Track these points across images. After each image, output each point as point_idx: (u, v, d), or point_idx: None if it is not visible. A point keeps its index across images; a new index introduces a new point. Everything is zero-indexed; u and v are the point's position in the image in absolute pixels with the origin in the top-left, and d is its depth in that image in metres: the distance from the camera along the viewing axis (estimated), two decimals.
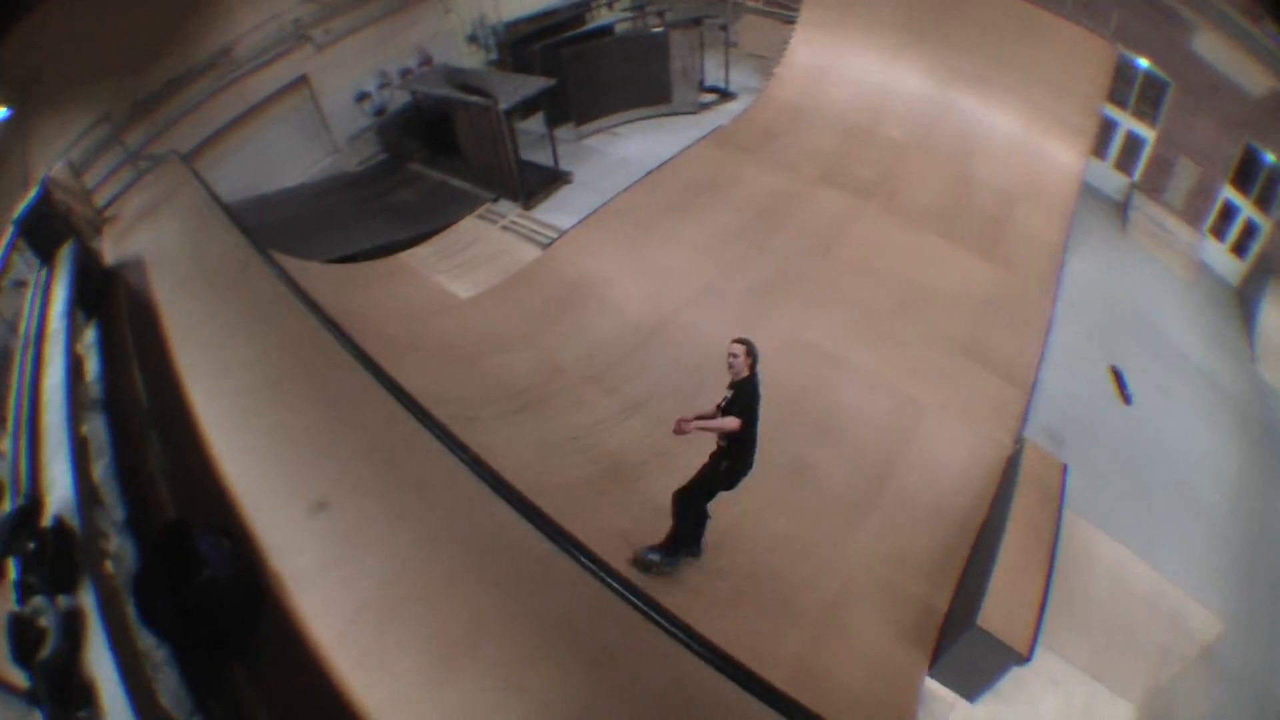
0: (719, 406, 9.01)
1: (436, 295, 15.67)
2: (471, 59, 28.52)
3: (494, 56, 28.59)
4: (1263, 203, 20.58)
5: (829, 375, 13.72)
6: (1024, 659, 8.14)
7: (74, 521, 6.28)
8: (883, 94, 22.14)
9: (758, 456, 9.17)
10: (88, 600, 5.48)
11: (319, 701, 5.81)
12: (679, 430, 8.59)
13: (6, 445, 8.26)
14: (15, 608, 5.42)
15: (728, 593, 9.73)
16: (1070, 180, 19.70)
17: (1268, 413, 16.86)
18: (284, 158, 24.05)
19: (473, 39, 28.64)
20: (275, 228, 17.51)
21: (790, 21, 25.33)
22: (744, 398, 8.73)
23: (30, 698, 4.49)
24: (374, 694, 5.86)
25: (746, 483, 9.78)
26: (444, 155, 22.95)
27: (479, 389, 12.40)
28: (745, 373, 8.70)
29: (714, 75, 25.50)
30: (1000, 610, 8.43)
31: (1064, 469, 11.02)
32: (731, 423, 8.57)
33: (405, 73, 26.65)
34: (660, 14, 26.08)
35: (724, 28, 26.65)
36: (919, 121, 21.35)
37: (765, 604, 9.69)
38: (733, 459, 9.01)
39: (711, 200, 18.39)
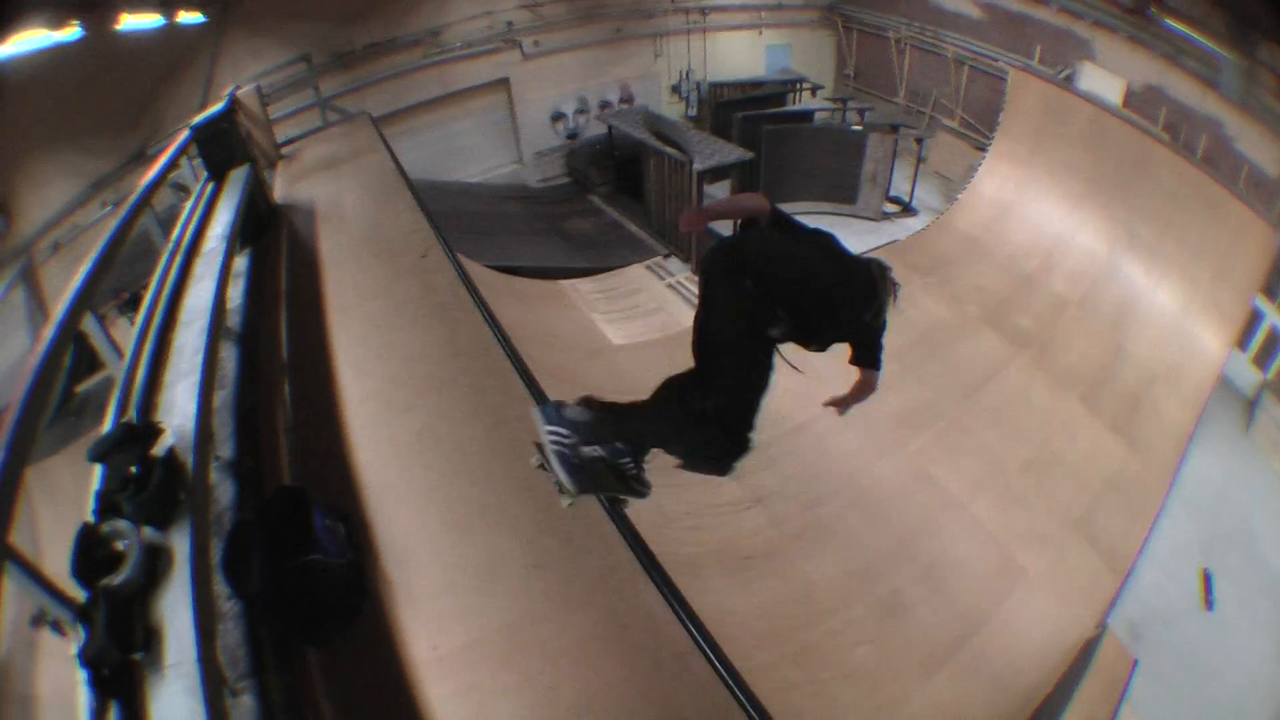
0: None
1: (590, 333, 16.07)
2: (670, 109, 29.50)
3: (693, 112, 29.62)
4: None
5: (948, 519, 13.87)
6: None
7: (188, 458, 5.59)
8: (1056, 243, 22.23)
9: (855, 558, 10.17)
10: (180, 545, 4.91)
11: (395, 718, 5.53)
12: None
13: (128, 348, 7.34)
14: (91, 520, 4.86)
15: (796, 708, 10.04)
16: (1211, 369, 19.75)
17: None
18: (467, 152, 25.15)
19: (676, 90, 29.46)
20: (446, 218, 17.31)
21: (981, 149, 25.54)
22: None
23: (81, 615, 4.07)
24: None
25: (846, 598, 11.20)
26: (626, 197, 23.63)
27: None
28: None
29: (900, 187, 25.68)
30: None
31: (1134, 664, 11.45)
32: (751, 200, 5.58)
33: (604, 105, 27.53)
34: (861, 113, 26.52)
35: (919, 141, 26.86)
36: (1084, 279, 21.35)
37: None
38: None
39: None
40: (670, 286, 18.69)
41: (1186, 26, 22.42)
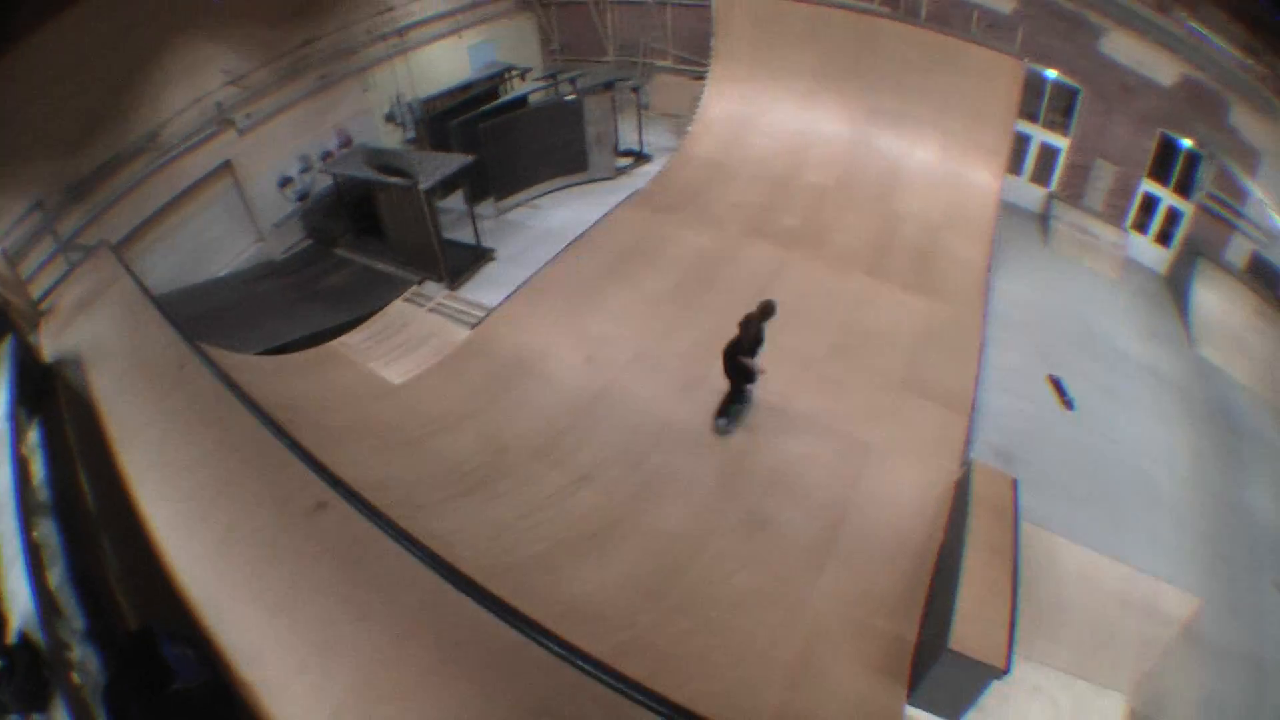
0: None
1: (372, 382, 15.54)
2: (390, 138, 28.72)
3: (412, 134, 28.69)
4: (1182, 188, 21.35)
5: (773, 426, 13.82)
6: (1001, 672, 8.13)
7: (38, 635, 6.12)
8: (801, 140, 22.47)
9: (699, 493, 10.78)
10: (60, 717, 5.35)
11: None
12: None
13: None
14: None
15: (700, 650, 9.63)
16: (989, 202, 20.14)
17: (1212, 391, 17.42)
18: (212, 245, 23.93)
19: (390, 117, 28.76)
20: (206, 319, 17.49)
21: (701, 78, 25.65)
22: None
23: None
24: None
25: (703, 536, 11.20)
26: (368, 239, 22.99)
27: (424, 474, 12.23)
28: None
29: (629, 139, 25.65)
30: (970, 630, 8.43)
31: (1014, 483, 11.01)
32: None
33: (326, 155, 26.61)
34: (572, 81, 26.05)
35: (635, 90, 26.59)
36: (839, 164, 21.67)
37: (737, 659, 9.59)
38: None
39: (638, 264, 18.51)
40: (433, 310, 18.24)
41: None
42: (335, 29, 27.63)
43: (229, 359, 13.62)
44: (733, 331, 12.88)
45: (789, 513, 12.14)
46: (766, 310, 12.20)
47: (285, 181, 26.04)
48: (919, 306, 16.78)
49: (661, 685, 6.91)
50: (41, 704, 5.28)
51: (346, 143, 27.30)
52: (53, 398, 12.41)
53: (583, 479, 12.78)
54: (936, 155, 21.14)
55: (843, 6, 23.19)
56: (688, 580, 10.79)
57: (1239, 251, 20.65)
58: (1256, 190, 18.87)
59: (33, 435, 10.89)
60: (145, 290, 14.69)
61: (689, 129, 24.26)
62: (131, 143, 22.89)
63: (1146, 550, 12.25)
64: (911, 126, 21.57)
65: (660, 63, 30.92)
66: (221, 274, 23.50)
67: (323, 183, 26.27)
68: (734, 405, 13.50)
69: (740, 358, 12.51)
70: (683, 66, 29.96)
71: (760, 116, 23.42)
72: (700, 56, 27.64)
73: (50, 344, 14.59)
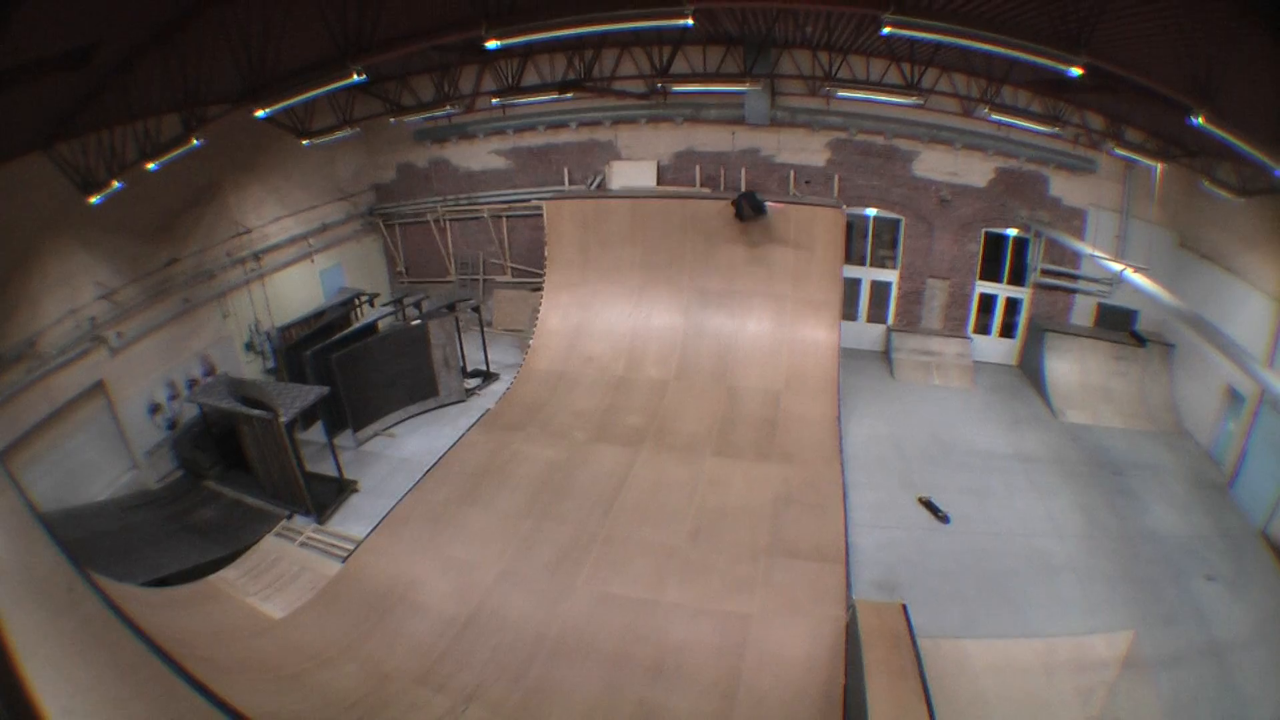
0: None
1: (250, 617, 15.25)
2: (251, 367, 28.52)
3: (271, 363, 28.45)
4: (1016, 276, 22.83)
5: (647, 620, 13.84)
6: None
7: None
8: (637, 338, 22.87)
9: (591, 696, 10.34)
10: None
11: None
12: None
13: None
14: None
15: None
16: (828, 355, 20.63)
17: (1086, 448, 18.39)
18: (88, 469, 23.18)
19: (249, 346, 28.56)
20: (88, 544, 17.42)
21: (539, 289, 26.08)
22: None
23: None
24: None
25: None
26: (237, 471, 22.73)
27: (309, 708, 11.93)
28: None
29: (476, 358, 25.98)
30: None
31: (904, 608, 11.07)
32: None
33: (192, 383, 26.21)
34: (416, 305, 26.26)
35: (476, 309, 27.15)
36: (675, 354, 22.11)
37: None
38: None
39: (493, 484, 18.53)
40: (303, 544, 17.94)
41: (695, 84, 23.83)
42: (196, 249, 27.46)
43: (115, 588, 13.07)
44: (591, 535, 14.11)
45: (679, 698, 12.10)
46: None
47: (154, 409, 25.52)
48: (773, 474, 17.04)
49: None
50: None
51: (211, 370, 27.04)
52: None
53: (468, 698, 12.64)
54: (769, 323, 21.64)
55: (661, 196, 24.23)
56: None
57: (1085, 312, 22.03)
58: (1087, 247, 19.82)
59: None
60: (31, 506, 14.36)
61: (530, 343, 24.54)
62: (12, 347, 22.43)
63: (1060, 617, 12.67)
64: (740, 300, 22.10)
65: (500, 278, 31.64)
66: (100, 499, 22.84)
67: (190, 411, 25.80)
68: None
69: None
70: (520, 280, 30.74)
71: (596, 320, 23.84)
72: (536, 267, 28.44)
73: None
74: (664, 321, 22.68)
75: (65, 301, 23.87)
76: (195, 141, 19.22)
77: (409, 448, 22.08)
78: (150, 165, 20.34)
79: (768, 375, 20.51)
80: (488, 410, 22.40)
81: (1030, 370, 21.89)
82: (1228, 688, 11.57)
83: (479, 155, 31.88)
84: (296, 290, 30.97)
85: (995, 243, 22.64)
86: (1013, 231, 22.05)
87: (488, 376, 25.41)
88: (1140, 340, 20.72)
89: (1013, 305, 22.96)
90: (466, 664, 13.43)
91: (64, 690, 8.35)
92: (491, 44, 12.48)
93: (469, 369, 25.53)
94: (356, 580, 16.09)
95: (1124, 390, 20.18)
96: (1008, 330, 23.34)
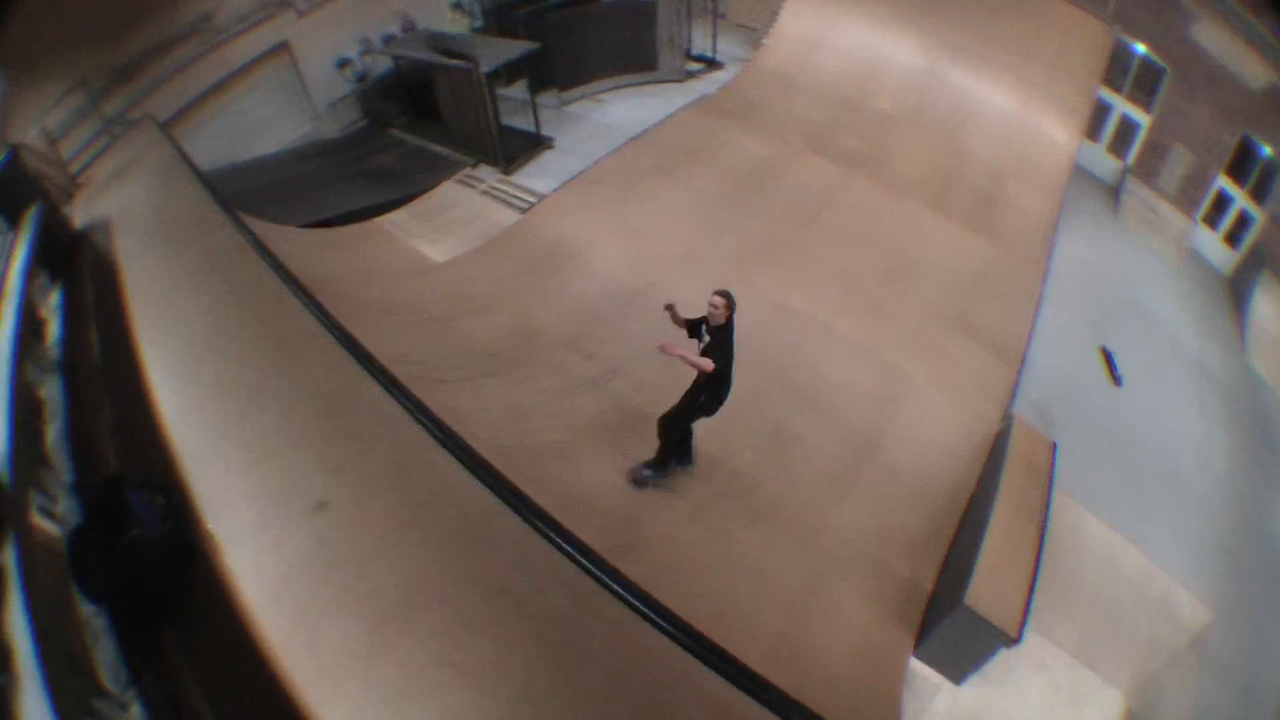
0: (701, 349, 9.37)
1: (411, 259, 15.30)
2: (456, 25, 28.03)
3: (479, 23, 28.10)
4: (1257, 194, 20.55)
5: (815, 343, 13.41)
6: (1013, 640, 7.81)
7: (4, 476, 5.82)
8: (874, 66, 21.78)
9: (732, 402, 9.67)
10: (9, 559, 5.00)
11: (248, 672, 5.44)
12: (665, 350, 9.11)
13: None
14: None
15: (705, 560, 9.43)
16: (1062, 158, 19.53)
17: (1257, 403, 16.76)
18: (264, 125, 23.73)
19: (457, 5, 28.27)
20: (252, 194, 17.36)
21: None
22: (721, 342, 9.30)
23: None
24: (303, 666, 5.52)
25: (731, 445, 10.81)
26: (425, 121, 22.70)
27: (450, 352, 11.96)
28: (722, 320, 9.22)
29: (701, 45, 25.15)
30: (988, 590, 8.09)
31: (1053, 447, 10.71)
32: (707, 364, 9.07)
33: (388, 39, 26.26)
34: None
35: None
36: (910, 95, 21.03)
37: (742, 575, 9.37)
38: (709, 394, 9.75)
39: (695, 166, 17.97)
40: (484, 193, 17.94)
41: None
42: None
43: (267, 228, 13.61)
44: (784, 241, 13.48)
45: (820, 433, 11.85)
46: (732, 305, 9.46)
47: (344, 63, 25.79)
48: (978, 248, 16.37)
49: (657, 591, 6.65)
50: None
51: (410, 28, 26.98)
52: (77, 263, 12.67)
53: (612, 372, 12.53)
54: (1014, 102, 20.42)
55: None
56: (705, 489, 10.54)
57: None
58: None
59: (54, 298, 11.24)
60: (181, 153, 14.90)
61: (764, 41, 23.54)
62: (183, 25, 22.71)
63: (1169, 544, 11.91)
64: (990, 69, 20.82)
65: None
66: (272, 152, 23.27)
67: (382, 66, 26.04)
68: (668, 462, 10.57)
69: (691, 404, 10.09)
70: None
71: (836, 37, 22.66)
72: None
73: (82, 213, 14.67)
74: (905, 59, 21.70)
75: None
76: None
77: (614, 114, 21.70)
78: None
79: (999, 152, 19.61)
80: (706, 95, 21.86)
81: (1237, 292, 20.22)
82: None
83: None
84: None
85: (1248, 149, 20.50)
86: (1268, 150, 19.92)
87: (711, 64, 24.83)
88: None
89: (1244, 219, 20.95)
90: (620, 336, 13.37)
91: (161, 329, 9.64)
92: None
93: (693, 53, 24.97)
94: (531, 233, 16.00)
95: None
96: (1231, 240, 21.39)
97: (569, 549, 6.34)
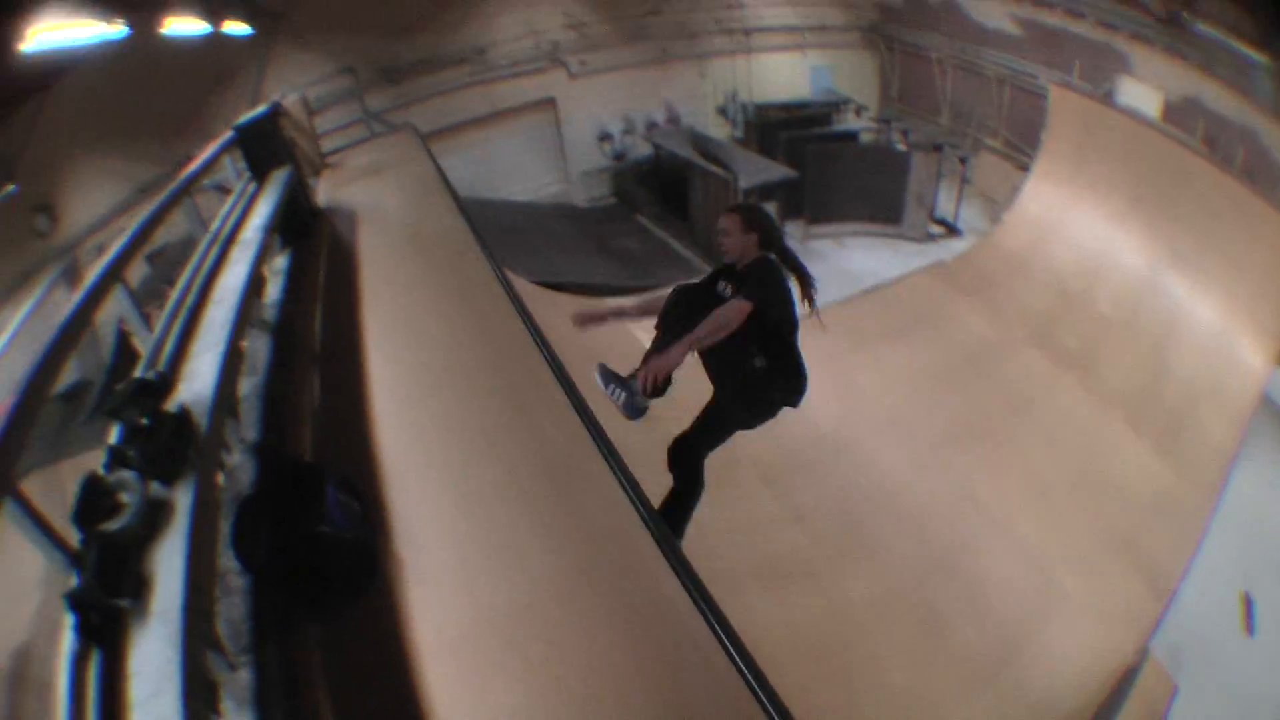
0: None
1: (625, 340, 15.40)
2: (717, 130, 29.52)
3: (738, 133, 29.51)
4: None
5: (991, 539, 13.78)
6: None
7: (201, 419, 5.50)
8: (1099, 262, 22.04)
9: (888, 574, 10.16)
10: (182, 500, 4.78)
11: (394, 700, 5.23)
12: (653, 372, 6.44)
13: (159, 324, 7.42)
14: (101, 471, 4.78)
15: None
16: (1254, 386, 19.30)
17: None
18: (513, 171, 25.48)
19: (722, 111, 29.55)
20: (489, 231, 17.76)
21: (1024, 168, 25.43)
22: (764, 278, 6.51)
23: (75, 560, 4.07)
24: (456, 717, 5.23)
25: (881, 626, 11.07)
26: (673, 217, 23.79)
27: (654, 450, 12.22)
28: (752, 256, 6.72)
29: (943, 208, 25.70)
30: None
31: (1174, 691, 11.36)
32: (737, 312, 6.13)
33: (650, 126, 27.70)
34: (905, 133, 26.66)
35: (964, 161, 26.69)
36: (1129, 299, 21.18)
37: None
38: (771, 371, 6.98)
39: (920, 333, 18.86)
40: None
41: (1220, 31, 22.54)
42: (682, 8, 29.13)
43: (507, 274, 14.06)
44: (986, 430, 14.25)
45: (969, 631, 12.05)
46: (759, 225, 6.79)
47: (605, 137, 27.28)
48: (1162, 472, 16.62)
49: None
50: (167, 477, 4.83)
51: (673, 120, 28.25)
52: (314, 238, 13.17)
53: (798, 518, 12.99)
54: (1219, 319, 20.29)
55: (1163, 132, 22.94)
56: (851, 656, 11.02)
57: None
58: None
59: (280, 261, 11.67)
60: (444, 176, 15.78)
61: (1003, 216, 24.04)
62: (457, 50, 24.57)
63: None
64: (1203, 280, 20.79)
65: (989, 140, 30.36)
66: (517, 199, 24.77)
67: (641, 151, 27.57)
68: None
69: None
70: (1010, 151, 29.31)
71: (1070, 225, 23.08)
72: (1027, 146, 27.20)
73: (326, 193, 15.64)
74: (1129, 260, 21.73)
75: (526, 23, 25.45)
76: None
77: (853, 260, 22.55)
78: None
79: (1197, 371, 19.48)
80: (941, 261, 22.28)
81: None
82: None
83: (992, 11, 30.15)
84: (780, 76, 31.49)
85: None
86: None
87: (951, 230, 25.21)
88: None
89: None
90: (815, 486, 13.87)
91: (397, 340, 9.51)
92: None
93: (935, 215, 25.30)
94: None
95: None
96: None
97: (765, 699, 5.55)
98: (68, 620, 3.93)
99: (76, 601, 3.87)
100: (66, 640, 3.98)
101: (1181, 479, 16.71)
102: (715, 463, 12.95)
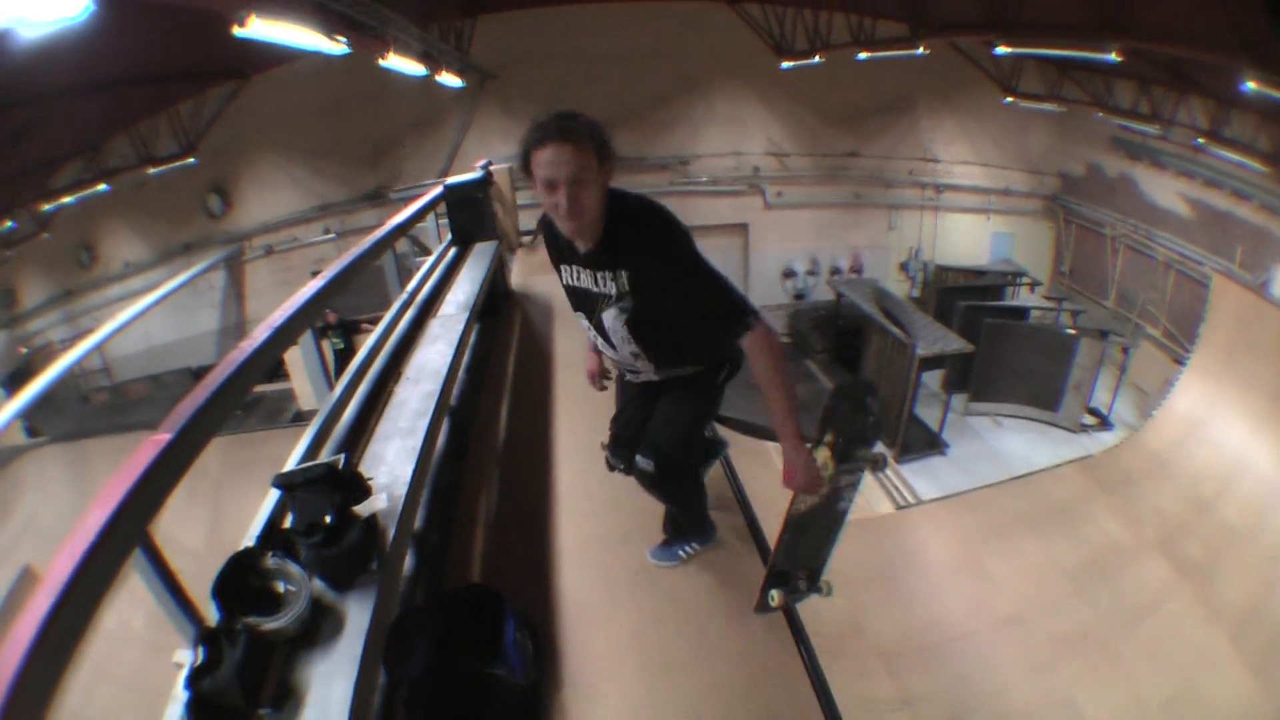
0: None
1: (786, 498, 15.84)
2: (896, 285, 30.47)
3: (915, 292, 30.67)
4: None
5: None
6: None
7: (390, 524, 4.69)
8: (1234, 466, 21.69)
9: None
10: (357, 614, 4.12)
11: None
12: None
13: (338, 384, 6.90)
14: (253, 545, 4.38)
15: None
16: None
17: None
18: None
19: (903, 266, 30.96)
20: None
21: (1178, 360, 25.51)
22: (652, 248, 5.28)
23: (206, 638, 3.48)
24: None
25: None
26: (842, 367, 24.69)
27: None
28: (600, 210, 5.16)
29: (1097, 397, 25.83)
30: None
31: None
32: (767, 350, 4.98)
33: (834, 270, 28.98)
34: (1074, 314, 27.06)
35: (1125, 350, 26.91)
36: (1256, 508, 20.50)
37: None
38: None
39: (1058, 528, 19.14)
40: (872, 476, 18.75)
41: None
42: (880, 155, 30.57)
43: None
44: (1099, 637, 14.67)
45: None
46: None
47: (789, 274, 28.91)
48: (1254, 699, 16.28)
49: None
50: (342, 585, 4.19)
51: (857, 269, 29.81)
52: (507, 317, 12.97)
53: (907, 703, 13.12)
54: None
55: None
56: None
57: None
58: None
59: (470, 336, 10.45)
60: None
61: (1153, 412, 24.06)
62: (661, 156, 26.46)
63: None
64: None
65: (1150, 328, 30.48)
66: None
67: (820, 293, 28.86)
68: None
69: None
70: (1168, 342, 29.40)
71: (1212, 424, 22.86)
72: (1183, 336, 27.30)
73: (521, 276, 15.46)
74: (1264, 468, 21.08)
75: (730, 141, 26.98)
76: (919, 49, 21.16)
77: (1007, 442, 23.00)
78: (860, 54, 22.88)
79: None
80: (1090, 455, 22.53)
81: None
82: None
83: (1163, 189, 30.57)
84: (964, 238, 32.43)
85: None
86: None
87: (1103, 423, 25.23)
88: None
89: None
90: (931, 672, 14.08)
91: (585, 457, 8.01)
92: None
93: (1089, 404, 25.29)
94: (896, 531, 17.85)
95: None
96: None
97: None
98: (178, 694, 3.47)
99: (205, 692, 3.34)
100: (169, 716, 3.57)
101: (1269, 703, 16.35)
102: (838, 629, 13.81)
